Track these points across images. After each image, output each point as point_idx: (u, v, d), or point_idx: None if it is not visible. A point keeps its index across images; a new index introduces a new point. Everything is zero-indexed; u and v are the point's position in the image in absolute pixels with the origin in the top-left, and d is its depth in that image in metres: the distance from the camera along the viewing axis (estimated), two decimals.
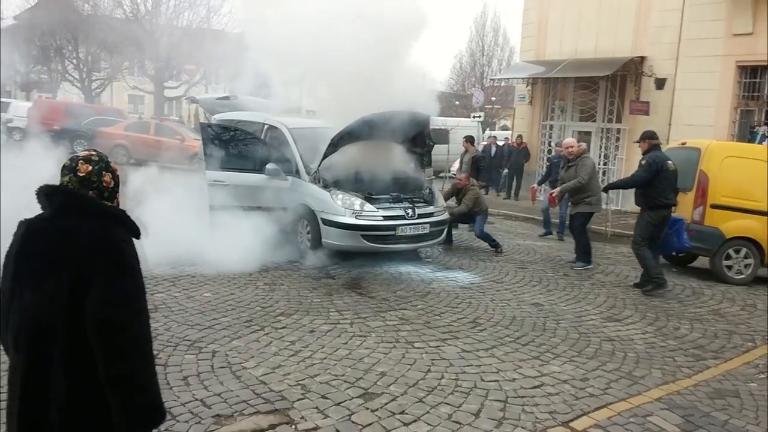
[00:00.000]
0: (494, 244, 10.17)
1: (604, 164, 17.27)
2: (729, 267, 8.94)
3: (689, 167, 9.14)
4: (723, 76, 14.78)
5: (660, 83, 15.99)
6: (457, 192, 10.66)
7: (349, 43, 8.10)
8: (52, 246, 2.19)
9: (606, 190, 9.44)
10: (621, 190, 15.67)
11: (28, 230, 2.27)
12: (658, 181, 7.90)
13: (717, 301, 7.92)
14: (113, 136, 21.87)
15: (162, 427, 3.85)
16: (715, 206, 8.89)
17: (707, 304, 7.70)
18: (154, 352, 4.85)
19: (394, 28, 8.52)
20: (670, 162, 8.04)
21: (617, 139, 17.38)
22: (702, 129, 14.26)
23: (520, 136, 18.97)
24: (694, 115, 14.95)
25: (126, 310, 2.15)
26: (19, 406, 2.21)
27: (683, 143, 9.96)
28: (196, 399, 4.30)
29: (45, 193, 2.26)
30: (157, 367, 4.59)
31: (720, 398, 4.87)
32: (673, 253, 9.99)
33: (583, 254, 9.33)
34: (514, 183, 18.65)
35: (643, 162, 8.02)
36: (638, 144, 8.48)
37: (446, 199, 10.40)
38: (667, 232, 8.29)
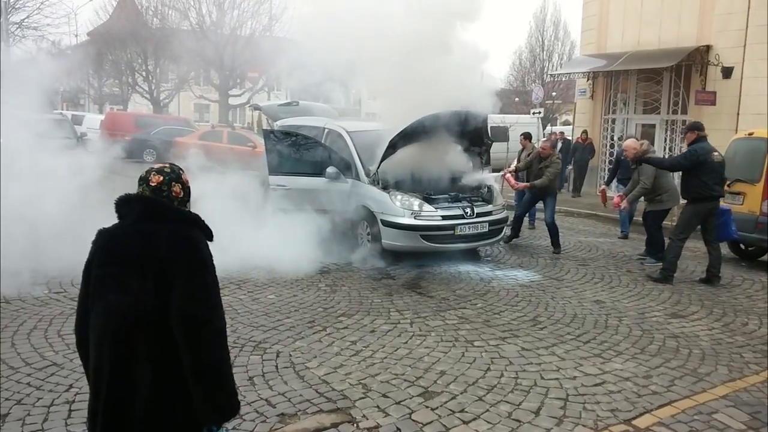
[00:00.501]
0: (556, 243, 9.89)
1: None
2: None
3: (757, 158, 8.92)
4: None
5: (727, 72, 15.45)
6: (539, 162, 9.93)
7: (405, 41, 8.23)
8: (135, 250, 2.39)
9: (639, 163, 8.73)
10: None
11: (110, 237, 2.47)
12: (702, 173, 7.73)
13: None
14: (188, 145, 22.62)
15: (229, 426, 4.05)
16: None
17: None
18: None
19: (449, 21, 8.65)
20: (716, 153, 7.88)
21: (682, 131, 16.88)
22: None
23: (585, 132, 18.52)
24: (764, 104, 14.38)
25: (207, 305, 2.34)
26: (105, 401, 2.38)
27: (750, 133, 9.66)
28: (261, 398, 4.47)
29: (124, 201, 2.46)
30: None
31: None
32: (742, 246, 9.70)
33: (656, 251, 9.12)
34: (578, 179, 18.31)
35: (685, 151, 7.87)
36: (683, 136, 8.30)
37: (524, 169, 10.23)
38: (715, 224, 8.13)
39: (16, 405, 4.23)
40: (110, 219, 2.58)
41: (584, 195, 17.64)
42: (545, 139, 10.18)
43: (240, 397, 4.35)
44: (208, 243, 2.51)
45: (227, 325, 5.78)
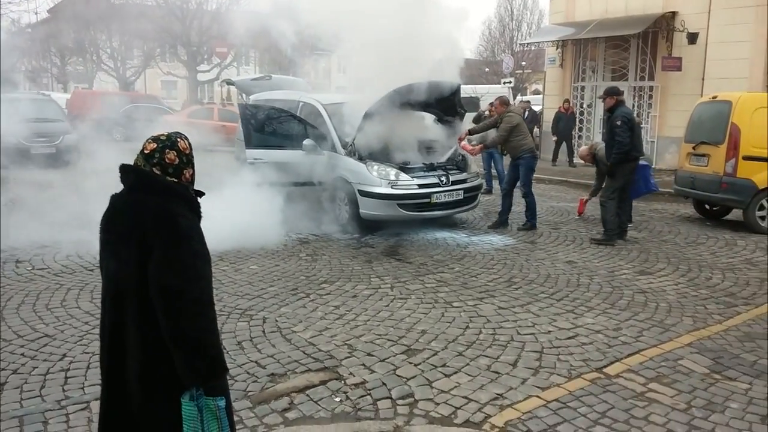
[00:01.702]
0: (530, 215, 9.26)
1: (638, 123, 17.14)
2: (762, 218, 9.00)
3: (720, 120, 9.20)
4: (756, 26, 14.53)
5: (692, 38, 15.77)
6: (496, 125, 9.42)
7: (376, 14, 8.32)
8: (126, 219, 2.50)
9: (612, 164, 8.41)
10: (652, 148, 15.68)
11: (111, 205, 2.60)
12: (632, 135, 8.14)
13: (750, 251, 8.01)
14: (177, 123, 22.38)
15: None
16: (747, 158, 8.92)
17: (740, 255, 7.82)
18: None
19: None
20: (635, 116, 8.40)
21: (650, 97, 17.23)
22: (736, 82, 14.08)
23: (567, 101, 18.20)
24: (729, 69, 14.76)
25: (183, 276, 2.41)
26: (104, 358, 2.57)
27: (714, 97, 9.96)
28: (251, 361, 4.65)
29: (123, 171, 2.58)
30: None
31: (750, 341, 5.05)
32: (707, 207, 10.06)
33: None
34: (563, 149, 17.93)
35: (618, 122, 8.08)
36: (602, 100, 8.60)
37: (481, 131, 9.69)
38: (635, 179, 8.63)
39: (13, 374, 4.36)
40: None
41: (578, 165, 17.82)
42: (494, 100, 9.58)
43: (230, 360, 4.59)
44: (198, 215, 2.60)
45: None
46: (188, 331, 2.40)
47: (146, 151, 2.57)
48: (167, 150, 2.58)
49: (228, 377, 4.29)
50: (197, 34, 32.56)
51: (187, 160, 2.64)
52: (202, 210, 2.65)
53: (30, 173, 11.83)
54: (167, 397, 2.48)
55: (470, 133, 9.50)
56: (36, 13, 38.22)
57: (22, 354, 4.69)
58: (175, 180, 2.59)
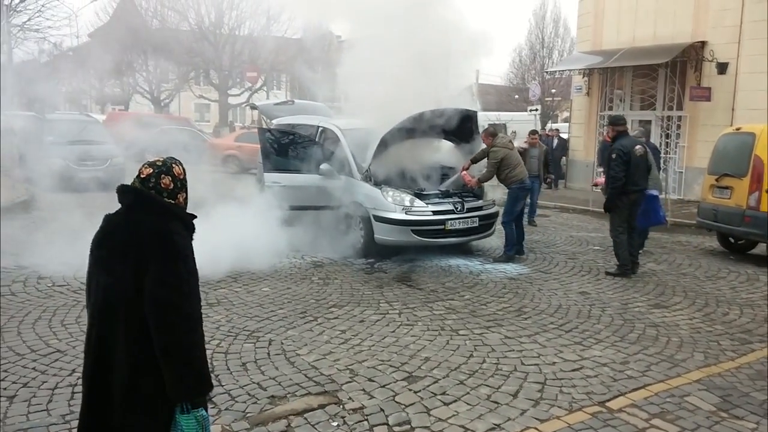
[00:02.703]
0: (506, 251, 8.92)
1: (665, 153, 16.94)
2: None
3: (744, 152, 9.08)
4: None
5: (722, 68, 15.63)
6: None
7: (395, 42, 8.45)
8: (123, 237, 2.60)
9: (607, 198, 8.36)
10: (680, 179, 15.46)
11: (107, 223, 2.70)
12: (628, 168, 7.96)
13: None
14: (224, 146, 22.76)
15: (222, 407, 4.28)
16: None
17: (760, 290, 7.64)
18: (216, 342, 5.31)
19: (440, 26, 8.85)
20: (638, 147, 8.13)
21: (678, 127, 17.05)
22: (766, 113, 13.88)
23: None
24: (758, 100, 14.55)
25: (178, 292, 2.51)
26: (90, 368, 2.63)
27: (738, 128, 9.84)
28: (253, 382, 4.67)
29: (121, 192, 2.68)
30: (218, 355, 5.07)
31: (761, 379, 4.92)
32: (731, 240, 9.88)
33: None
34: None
35: (613, 156, 8.01)
36: (606, 132, 8.47)
37: (479, 160, 9.13)
38: (644, 209, 8.44)
39: (23, 388, 4.46)
40: None
41: (581, 191, 17.73)
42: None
43: (233, 381, 4.63)
44: (191, 236, 2.70)
45: (222, 316, 6.02)
46: (179, 345, 2.48)
47: (142, 176, 2.68)
48: (163, 175, 2.69)
49: (228, 397, 4.37)
50: (229, 58, 33.22)
51: (181, 184, 2.76)
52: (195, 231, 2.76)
53: (75, 196, 11.54)
54: (150, 413, 2.54)
55: (473, 162, 9.16)
56: (77, 37, 39.41)
57: (33, 368, 4.80)
58: (172, 202, 2.70)
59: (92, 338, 2.62)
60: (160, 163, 2.72)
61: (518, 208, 9.04)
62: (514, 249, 8.99)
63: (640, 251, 8.96)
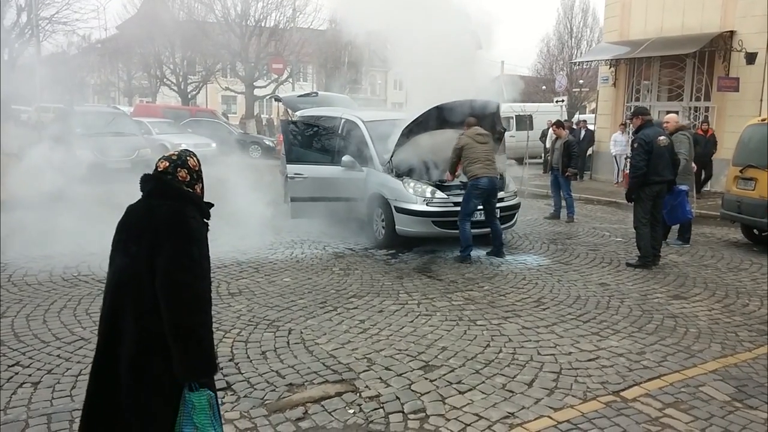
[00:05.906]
0: (464, 251, 8.29)
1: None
2: None
3: None
4: None
5: (750, 58, 15.37)
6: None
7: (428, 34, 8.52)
8: (141, 220, 2.75)
9: (629, 188, 8.31)
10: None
11: (128, 210, 2.87)
12: (650, 158, 7.92)
13: None
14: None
15: (241, 394, 4.40)
16: None
17: None
18: (237, 330, 5.43)
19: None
20: (662, 138, 8.06)
21: (705, 118, 16.81)
22: None
23: (706, 122, 15.81)
24: None
25: (191, 272, 2.64)
26: (100, 341, 2.79)
27: (763, 119, 9.71)
28: (272, 370, 4.78)
29: (143, 180, 2.84)
30: (239, 343, 5.19)
31: None
32: (756, 232, 9.77)
33: (682, 232, 9.58)
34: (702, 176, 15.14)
35: (635, 145, 8.01)
36: (629, 121, 8.41)
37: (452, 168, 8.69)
38: (673, 204, 8.37)
39: (47, 374, 4.62)
40: None
41: (606, 182, 17.68)
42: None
43: (252, 369, 4.75)
44: (206, 222, 2.86)
45: (243, 306, 6.15)
46: (188, 324, 2.59)
47: (159, 169, 2.83)
48: (179, 168, 2.84)
49: (247, 385, 4.49)
50: (255, 50, 33.42)
51: (197, 176, 2.91)
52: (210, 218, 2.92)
53: (103, 188, 11.72)
54: (156, 391, 2.66)
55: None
56: (105, 29, 40.01)
57: (58, 355, 4.96)
58: (190, 190, 2.84)
59: (105, 314, 2.77)
60: (176, 157, 2.87)
61: (471, 208, 8.27)
62: (468, 250, 8.30)
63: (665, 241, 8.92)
